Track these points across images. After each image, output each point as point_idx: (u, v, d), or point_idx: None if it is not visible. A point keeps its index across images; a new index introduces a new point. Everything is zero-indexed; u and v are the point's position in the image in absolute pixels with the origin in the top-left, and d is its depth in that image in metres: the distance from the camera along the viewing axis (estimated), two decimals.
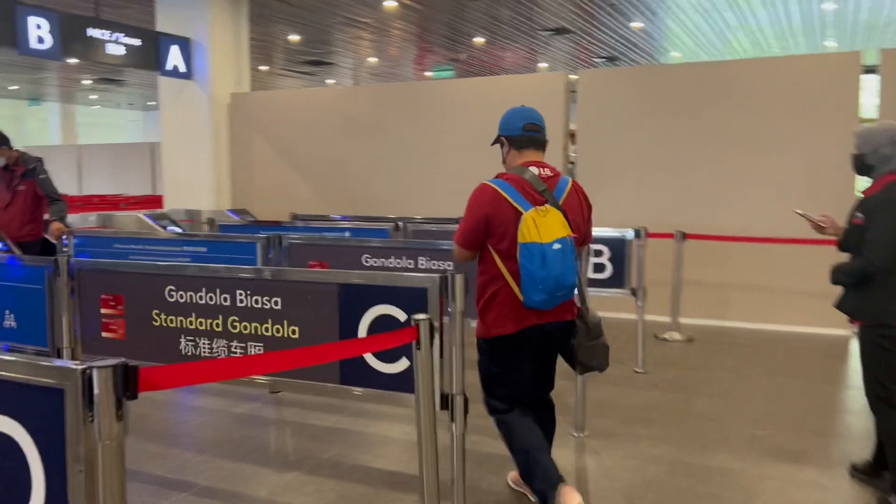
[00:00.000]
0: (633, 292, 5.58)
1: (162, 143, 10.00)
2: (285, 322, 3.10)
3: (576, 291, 2.90)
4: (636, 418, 4.43)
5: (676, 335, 6.58)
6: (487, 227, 2.85)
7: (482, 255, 2.95)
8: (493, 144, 3.16)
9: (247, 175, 9.75)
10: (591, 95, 7.73)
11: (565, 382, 5.36)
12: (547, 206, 2.79)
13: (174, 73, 9.30)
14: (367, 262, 4.76)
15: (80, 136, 26.13)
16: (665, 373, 5.47)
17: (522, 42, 14.50)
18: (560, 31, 13.44)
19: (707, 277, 7.22)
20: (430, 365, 2.44)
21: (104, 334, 3.55)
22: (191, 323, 3.32)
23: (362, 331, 2.94)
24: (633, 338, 5.68)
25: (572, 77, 8.00)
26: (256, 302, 3.16)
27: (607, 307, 7.27)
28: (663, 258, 6.85)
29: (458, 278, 2.78)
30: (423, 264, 4.59)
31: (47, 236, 5.96)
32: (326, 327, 3.02)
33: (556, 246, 2.71)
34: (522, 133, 2.96)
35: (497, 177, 2.95)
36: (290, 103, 9.52)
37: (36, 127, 29.35)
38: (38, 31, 7.65)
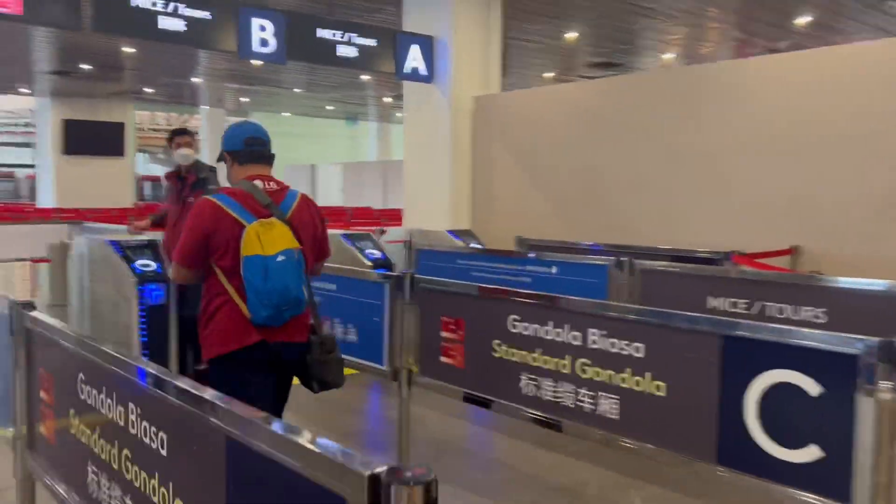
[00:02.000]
0: None
1: (404, 155, 9.13)
2: (647, 375, 2.53)
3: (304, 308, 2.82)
4: None
5: None
6: (208, 244, 2.74)
7: (207, 274, 2.81)
8: (217, 161, 3.15)
9: (486, 190, 8.40)
10: None
11: None
12: (272, 219, 2.73)
13: (413, 75, 8.33)
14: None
15: (395, 153, 27.55)
16: None
17: (863, 18, 11.16)
18: None
19: None
20: None
21: (443, 359, 3.28)
22: (534, 360, 2.92)
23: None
24: None
25: None
26: (612, 345, 2.63)
27: None
28: None
29: None
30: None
31: None
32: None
33: (281, 258, 2.66)
34: (243, 147, 2.91)
35: (218, 191, 2.92)
36: (534, 104, 7.96)
37: (364, 145, 31.82)
38: (262, 33, 7.14)
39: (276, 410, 2.95)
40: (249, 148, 2.90)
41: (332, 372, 2.86)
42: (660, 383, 2.48)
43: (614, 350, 2.62)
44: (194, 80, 16.91)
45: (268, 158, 2.94)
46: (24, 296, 6.58)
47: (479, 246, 6.71)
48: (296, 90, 18.57)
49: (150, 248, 5.18)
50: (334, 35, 7.69)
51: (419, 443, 4.30)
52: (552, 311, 2.83)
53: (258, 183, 2.82)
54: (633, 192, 6.91)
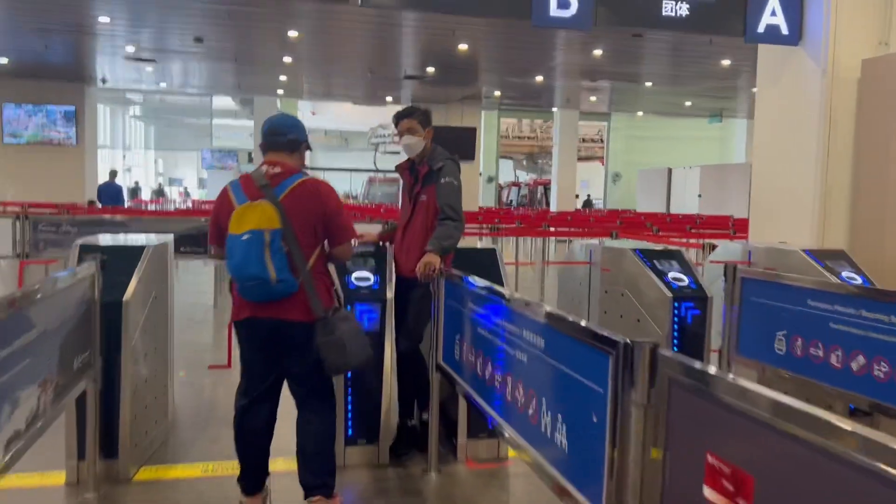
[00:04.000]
0: None
1: (754, 146, 6.89)
2: None
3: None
4: None
5: None
6: (219, 223, 3.07)
7: None
8: None
9: (876, 193, 5.78)
10: None
11: None
12: (260, 201, 2.92)
13: (768, 36, 6.08)
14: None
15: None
16: None
17: None
18: None
19: None
20: None
21: None
22: None
23: None
24: None
25: None
26: None
27: None
28: None
29: None
30: None
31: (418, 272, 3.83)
32: None
33: (245, 237, 2.86)
34: (263, 138, 3.18)
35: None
36: None
37: (730, 146, 28.48)
38: None
39: (276, 384, 3.17)
40: (266, 138, 3.15)
41: (331, 354, 2.95)
42: None
43: None
44: (538, 78, 16.13)
45: (282, 146, 3.13)
46: None
47: (853, 278, 4.39)
48: (648, 84, 16.72)
49: (370, 258, 4.07)
50: None
51: None
52: None
53: (264, 167, 3.06)
54: None
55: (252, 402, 3.14)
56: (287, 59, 14.10)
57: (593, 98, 19.72)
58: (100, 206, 15.72)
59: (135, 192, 31.60)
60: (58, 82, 16.83)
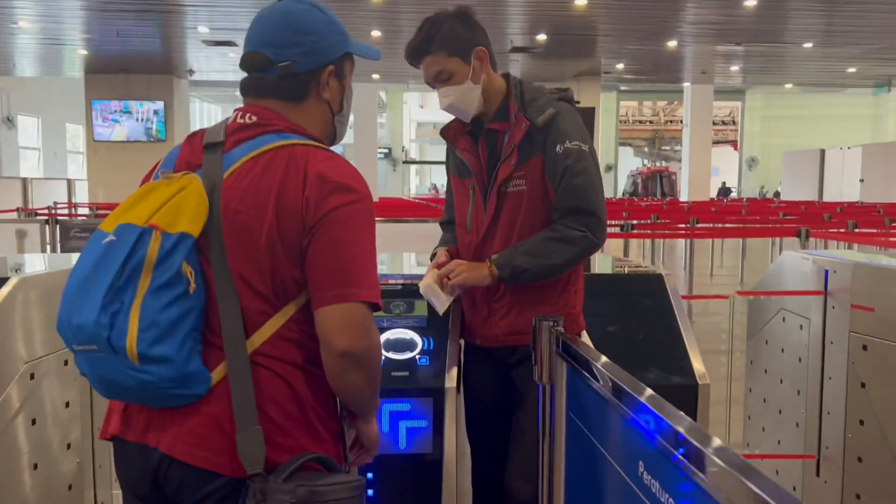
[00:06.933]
0: None
1: None
2: None
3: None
4: None
5: None
6: None
7: None
8: None
9: None
10: None
11: None
12: (187, 175, 1.33)
13: None
14: None
15: None
16: None
17: None
18: None
19: None
20: None
21: None
22: None
23: None
24: None
25: None
26: None
27: None
28: None
29: None
30: None
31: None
32: None
33: (110, 238, 1.25)
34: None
35: None
36: None
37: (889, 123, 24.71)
38: None
39: None
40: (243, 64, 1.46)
41: None
42: None
43: None
44: (669, 43, 13.65)
45: (269, 82, 1.42)
46: None
47: None
48: (806, 45, 13.83)
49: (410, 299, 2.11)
50: None
51: None
52: None
53: (237, 115, 1.44)
54: None
55: None
56: (375, 33, 12.36)
57: (734, 68, 16.90)
58: None
59: None
60: (144, 76, 15.96)
